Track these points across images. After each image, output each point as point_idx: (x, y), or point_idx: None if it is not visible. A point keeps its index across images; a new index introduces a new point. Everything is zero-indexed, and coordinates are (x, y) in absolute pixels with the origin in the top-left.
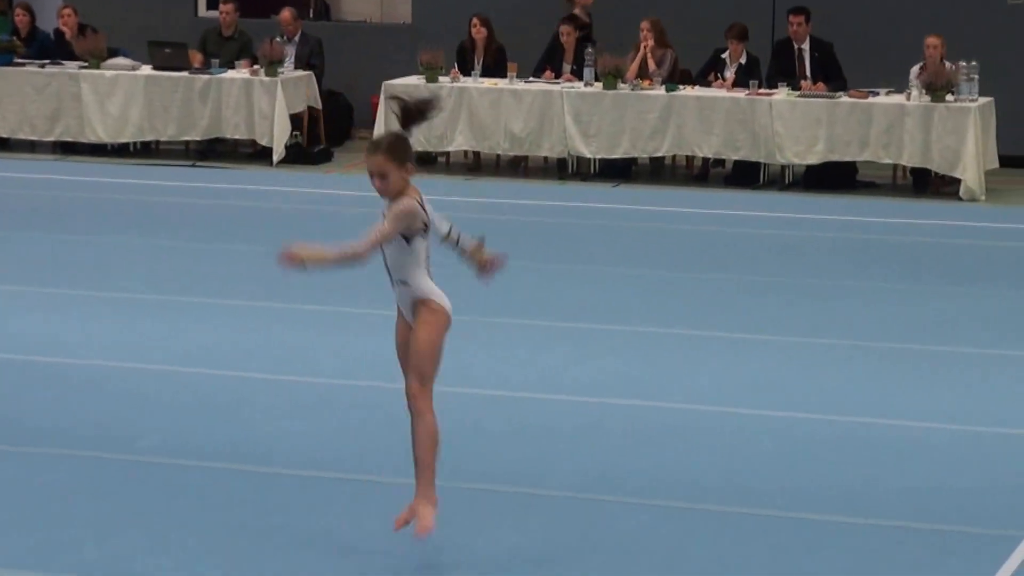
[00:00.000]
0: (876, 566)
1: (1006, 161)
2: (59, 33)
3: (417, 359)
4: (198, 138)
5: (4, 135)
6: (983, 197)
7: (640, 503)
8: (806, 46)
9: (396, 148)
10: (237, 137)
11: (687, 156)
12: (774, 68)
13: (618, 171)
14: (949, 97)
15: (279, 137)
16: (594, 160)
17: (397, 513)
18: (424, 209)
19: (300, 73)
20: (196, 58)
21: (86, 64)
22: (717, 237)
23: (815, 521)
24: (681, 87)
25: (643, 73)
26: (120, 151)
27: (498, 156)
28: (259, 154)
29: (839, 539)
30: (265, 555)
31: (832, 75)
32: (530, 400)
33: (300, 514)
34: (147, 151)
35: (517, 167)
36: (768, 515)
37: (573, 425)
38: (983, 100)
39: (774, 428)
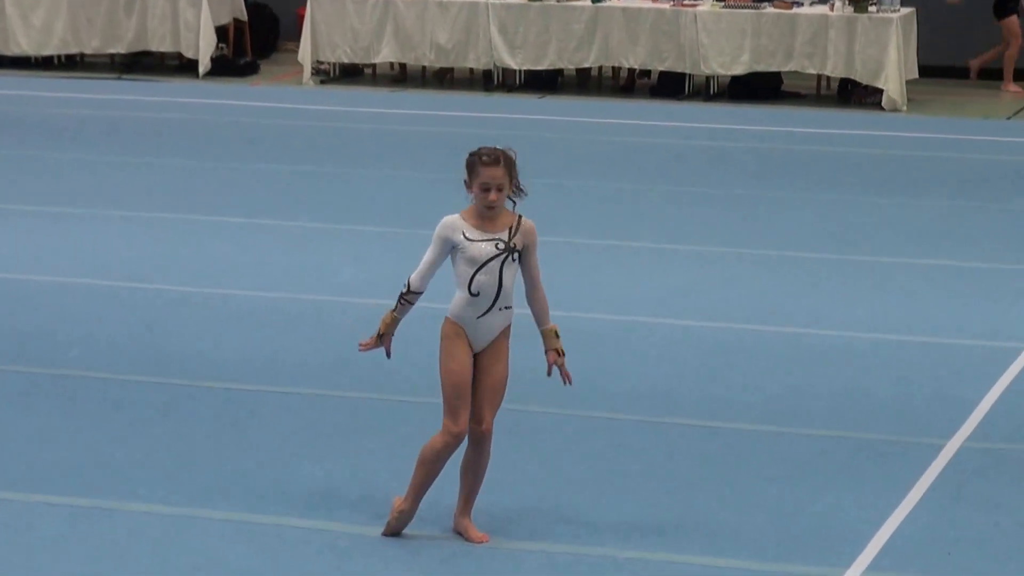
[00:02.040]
0: (800, 474)
1: (926, 71)
2: None
3: (500, 396)
4: (123, 51)
5: None
6: (904, 107)
7: (565, 414)
8: None
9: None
10: (163, 50)
11: (613, 67)
12: None
13: (544, 82)
14: (872, 8)
15: (205, 49)
16: (520, 71)
17: (321, 425)
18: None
19: None
20: None
21: None
22: (643, 148)
23: (740, 430)
24: None
25: None
26: (44, 64)
27: (424, 68)
28: (185, 66)
29: (764, 447)
30: (196, 467)
31: None
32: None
33: (227, 427)
34: (72, 64)
35: (443, 79)
36: (693, 424)
37: None
38: (905, 11)
39: (699, 337)
